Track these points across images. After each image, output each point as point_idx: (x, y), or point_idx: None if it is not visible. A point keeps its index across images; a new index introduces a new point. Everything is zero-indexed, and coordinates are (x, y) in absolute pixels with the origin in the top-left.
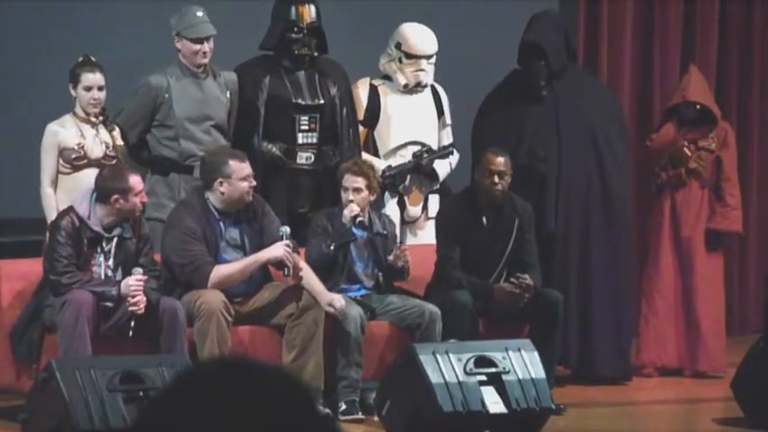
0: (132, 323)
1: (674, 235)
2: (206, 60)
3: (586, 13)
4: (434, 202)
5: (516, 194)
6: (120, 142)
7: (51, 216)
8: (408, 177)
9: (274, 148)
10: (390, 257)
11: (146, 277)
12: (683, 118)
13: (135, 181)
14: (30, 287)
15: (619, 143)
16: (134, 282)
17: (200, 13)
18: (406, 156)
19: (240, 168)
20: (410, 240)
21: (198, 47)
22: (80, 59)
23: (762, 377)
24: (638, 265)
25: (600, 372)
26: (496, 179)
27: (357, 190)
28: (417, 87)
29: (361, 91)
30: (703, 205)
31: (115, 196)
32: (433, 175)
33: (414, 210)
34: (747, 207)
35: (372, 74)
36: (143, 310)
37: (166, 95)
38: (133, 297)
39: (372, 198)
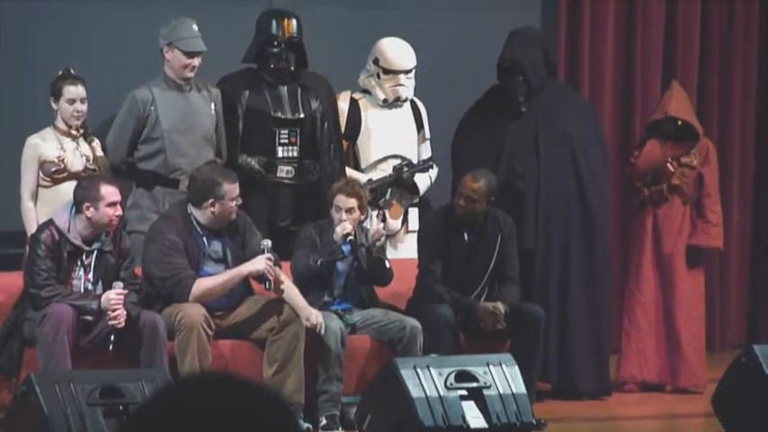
0: (112, 337)
1: (656, 251)
2: (192, 75)
3: (567, 28)
4: (414, 215)
5: (498, 209)
6: (100, 153)
7: (31, 229)
8: (389, 191)
9: (253, 162)
10: (368, 241)
11: (126, 291)
12: (665, 133)
13: (107, 191)
14: (9, 300)
15: (598, 159)
16: (114, 296)
17: (194, 27)
18: (386, 169)
19: (232, 190)
20: (390, 254)
21: (188, 61)
22: (60, 73)
23: (742, 393)
24: (620, 280)
25: (580, 387)
26: (462, 202)
27: (350, 210)
28: (397, 102)
29: (342, 104)
30: (685, 221)
31: (86, 204)
32: (413, 188)
33: (394, 223)
34: (728, 223)
35: (354, 87)
36: (123, 324)
37: (152, 108)
38: (113, 311)
39: (363, 217)
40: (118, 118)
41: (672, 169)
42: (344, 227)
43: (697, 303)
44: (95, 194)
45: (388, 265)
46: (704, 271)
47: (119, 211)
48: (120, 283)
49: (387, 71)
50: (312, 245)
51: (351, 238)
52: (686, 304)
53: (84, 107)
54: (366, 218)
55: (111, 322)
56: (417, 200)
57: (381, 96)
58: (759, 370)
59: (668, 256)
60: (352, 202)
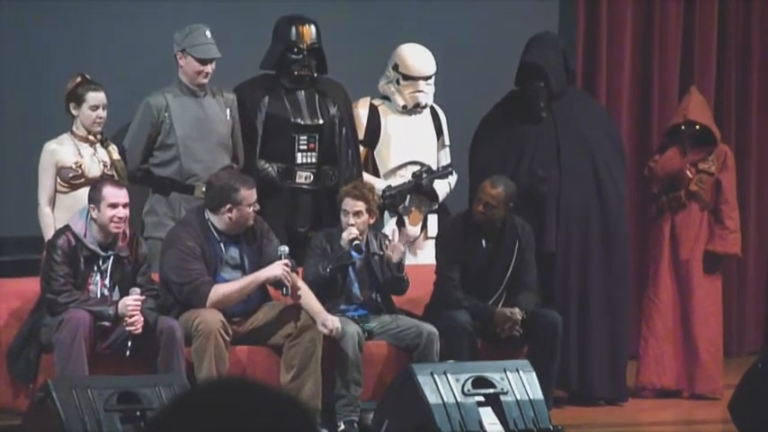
0: (129, 343)
1: (674, 257)
2: (206, 81)
3: (585, 34)
4: (433, 221)
5: (516, 215)
6: (117, 157)
7: (49, 235)
8: (408, 197)
9: (270, 168)
10: (386, 251)
11: (143, 297)
12: (684, 139)
13: (109, 192)
14: (27, 306)
15: (616, 165)
16: (132, 301)
17: (208, 34)
18: (405, 176)
19: (249, 195)
20: (409, 260)
21: (202, 67)
22: (78, 80)
23: (759, 398)
24: (638, 286)
25: (597, 392)
26: (481, 208)
27: (357, 213)
28: (416, 108)
29: (361, 111)
30: (702, 227)
31: (92, 205)
32: (432, 194)
33: (413, 230)
34: (745, 229)
35: (373, 93)
36: (140, 330)
37: (166, 114)
38: (130, 317)
39: (372, 221)
40: (132, 125)
41: (690, 175)
42: (350, 231)
43: (714, 309)
44: (98, 195)
45: (405, 278)
46: (721, 277)
47: (120, 213)
48: (138, 289)
49: (406, 77)
50: (322, 253)
51: (357, 242)
52: (704, 310)
53: (105, 113)
54: (382, 225)
55: (128, 328)
56: (436, 206)
57: (401, 103)
58: None
59: (686, 263)
60: (360, 206)
